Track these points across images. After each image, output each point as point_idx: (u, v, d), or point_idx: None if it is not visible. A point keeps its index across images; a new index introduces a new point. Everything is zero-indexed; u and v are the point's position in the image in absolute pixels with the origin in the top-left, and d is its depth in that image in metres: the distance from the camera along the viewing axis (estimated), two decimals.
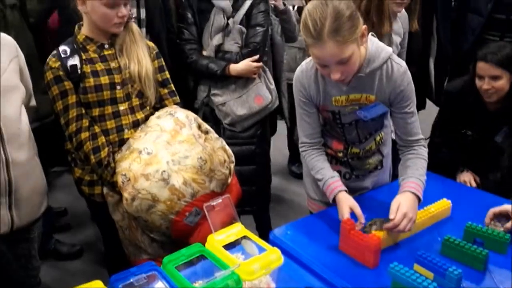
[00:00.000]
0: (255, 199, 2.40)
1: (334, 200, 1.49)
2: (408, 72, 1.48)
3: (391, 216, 1.35)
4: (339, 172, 1.66)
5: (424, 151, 1.53)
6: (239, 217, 2.45)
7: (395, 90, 1.47)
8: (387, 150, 1.75)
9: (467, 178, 2.11)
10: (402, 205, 1.36)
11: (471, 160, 2.14)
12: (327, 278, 1.27)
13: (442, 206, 1.56)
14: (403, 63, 1.48)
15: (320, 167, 1.56)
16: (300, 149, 1.62)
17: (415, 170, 1.47)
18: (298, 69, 1.53)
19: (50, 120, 2.05)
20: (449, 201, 1.58)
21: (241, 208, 2.26)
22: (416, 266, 1.26)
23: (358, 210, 1.41)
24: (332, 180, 1.52)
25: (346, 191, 1.49)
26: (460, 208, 1.58)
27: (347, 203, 1.43)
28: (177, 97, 1.80)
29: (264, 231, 2.61)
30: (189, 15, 2.26)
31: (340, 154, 1.66)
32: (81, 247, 2.62)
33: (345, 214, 1.40)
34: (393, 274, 1.18)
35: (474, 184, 2.08)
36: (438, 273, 1.22)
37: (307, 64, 1.51)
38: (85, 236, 2.71)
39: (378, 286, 1.22)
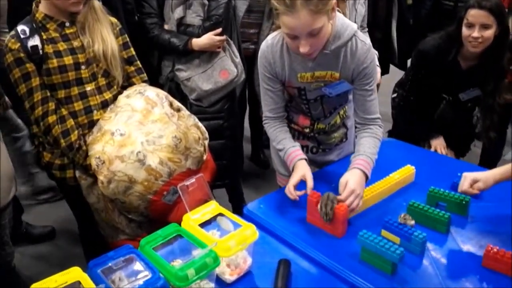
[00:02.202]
0: (227, 173, 2.42)
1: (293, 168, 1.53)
2: (372, 50, 1.50)
3: (340, 191, 1.39)
4: (306, 146, 1.71)
5: (379, 131, 1.55)
6: (212, 193, 2.50)
7: (358, 67, 1.48)
8: (351, 122, 1.79)
9: (439, 143, 2.18)
10: (349, 182, 1.39)
11: (444, 124, 2.21)
12: (300, 249, 1.32)
13: (406, 172, 1.63)
14: (367, 40, 1.49)
15: (281, 137, 1.59)
16: (264, 123, 1.65)
17: (367, 148, 1.50)
18: (264, 44, 1.52)
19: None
20: (413, 167, 1.65)
21: (213, 182, 2.28)
22: (384, 232, 1.34)
23: (310, 182, 1.44)
24: (293, 149, 1.55)
25: (306, 159, 1.53)
26: (424, 173, 1.66)
27: (299, 173, 1.48)
28: (144, 74, 1.78)
29: (237, 204, 2.66)
30: None
31: (307, 130, 1.69)
32: (53, 228, 2.59)
33: (292, 182, 1.47)
34: (362, 241, 1.24)
35: (444, 151, 2.16)
36: (404, 237, 1.29)
37: (273, 39, 1.50)
38: (57, 217, 2.68)
39: (349, 253, 1.28)
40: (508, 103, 2.25)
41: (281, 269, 1.19)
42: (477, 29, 1.93)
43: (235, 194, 2.69)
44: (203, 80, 2.26)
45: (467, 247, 1.31)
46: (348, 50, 1.46)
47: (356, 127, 1.63)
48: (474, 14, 1.94)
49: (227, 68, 2.31)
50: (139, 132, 1.50)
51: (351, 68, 1.48)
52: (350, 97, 1.68)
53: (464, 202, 1.44)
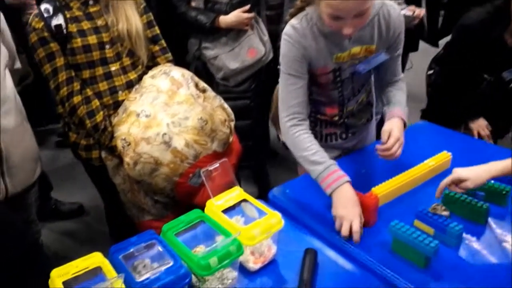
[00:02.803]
0: (252, 154, 2.39)
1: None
2: (402, 13, 1.45)
3: (384, 139, 1.36)
4: (335, 134, 1.63)
5: (404, 85, 1.56)
6: (238, 174, 2.48)
7: (394, 34, 1.43)
8: (373, 99, 1.72)
9: (481, 123, 2.07)
10: (394, 130, 1.37)
11: (484, 106, 2.09)
12: (327, 238, 1.27)
13: (442, 158, 1.55)
14: (395, 5, 1.44)
15: (316, 148, 1.36)
16: (285, 124, 1.40)
17: (400, 98, 1.50)
18: (289, 30, 1.37)
19: (30, 81, 1.98)
20: (449, 153, 1.57)
21: (239, 164, 2.25)
22: (417, 222, 1.27)
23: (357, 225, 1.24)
24: (335, 168, 1.32)
25: (350, 182, 1.31)
26: (460, 160, 1.56)
27: (356, 211, 1.26)
28: (169, 53, 1.74)
29: (263, 186, 2.63)
30: None
31: (336, 118, 1.60)
32: (81, 204, 2.64)
33: (355, 226, 1.23)
34: (394, 232, 1.18)
35: (487, 132, 2.05)
36: (439, 228, 1.22)
37: (299, 24, 1.36)
38: (85, 194, 2.72)
39: (379, 244, 1.22)
40: None
41: (307, 259, 1.15)
42: None
43: (261, 176, 2.65)
44: (230, 58, 2.21)
45: (507, 240, 1.23)
46: (381, 20, 1.40)
47: (381, 88, 1.59)
48: None
49: (255, 47, 2.24)
50: (165, 114, 1.47)
51: (388, 37, 1.43)
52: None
53: (504, 192, 1.35)
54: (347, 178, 1.30)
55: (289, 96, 1.39)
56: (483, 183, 1.22)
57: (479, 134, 2.05)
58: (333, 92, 1.53)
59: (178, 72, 1.58)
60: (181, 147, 1.46)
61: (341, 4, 1.20)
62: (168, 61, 1.70)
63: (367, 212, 1.29)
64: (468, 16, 1.88)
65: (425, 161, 1.52)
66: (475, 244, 1.23)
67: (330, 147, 1.64)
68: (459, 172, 1.23)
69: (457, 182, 1.23)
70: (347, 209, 1.25)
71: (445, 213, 1.29)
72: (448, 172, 1.53)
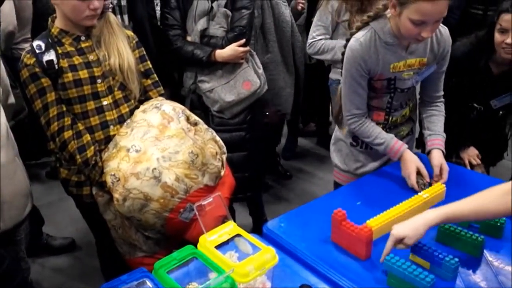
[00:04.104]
0: (248, 186, 2.37)
1: (399, 159, 1.66)
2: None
3: (437, 173, 1.61)
4: None
5: (443, 108, 1.78)
6: (232, 205, 2.46)
7: (444, 51, 1.65)
8: (416, 116, 1.89)
9: (471, 153, 2.08)
10: (443, 164, 1.62)
11: (475, 135, 2.10)
12: (322, 272, 1.25)
13: (436, 190, 1.54)
14: (444, 26, 1.62)
15: (377, 132, 1.69)
16: (350, 121, 1.71)
17: (440, 128, 1.74)
18: (355, 44, 1.58)
19: (23, 115, 1.98)
20: (443, 185, 1.56)
21: (234, 195, 2.24)
22: (412, 256, 1.25)
23: (423, 170, 1.61)
24: (395, 141, 1.67)
25: (409, 148, 1.68)
26: (455, 191, 1.56)
27: (414, 162, 1.62)
28: (161, 87, 1.75)
29: (258, 218, 2.61)
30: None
31: (380, 126, 1.75)
32: (73, 239, 2.60)
33: (412, 173, 1.60)
34: (389, 266, 1.16)
35: (478, 161, 2.06)
36: (434, 262, 1.21)
37: (363, 37, 1.58)
38: (77, 228, 2.68)
39: (375, 278, 1.20)
40: None
41: None
42: (511, 34, 1.83)
43: (255, 208, 2.63)
44: (226, 91, 2.23)
45: (502, 273, 1.21)
46: (433, 36, 1.60)
47: (422, 103, 1.82)
48: (508, 19, 1.83)
49: (250, 79, 2.27)
50: (155, 148, 1.46)
51: (437, 53, 1.64)
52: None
53: (499, 224, 1.34)
54: (404, 147, 1.66)
55: (350, 102, 1.68)
56: (421, 236, 1.18)
57: (470, 164, 2.06)
58: (384, 99, 1.71)
59: (169, 106, 1.58)
60: (171, 182, 1.45)
61: (430, 9, 1.40)
62: (160, 95, 1.71)
63: (361, 245, 1.27)
64: (454, 48, 1.92)
65: (420, 193, 1.52)
66: (471, 277, 1.21)
67: (370, 154, 1.80)
68: (397, 231, 1.19)
69: (398, 242, 1.19)
70: (405, 169, 1.63)
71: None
72: (443, 204, 1.53)
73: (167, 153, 1.46)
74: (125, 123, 1.59)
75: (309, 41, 2.53)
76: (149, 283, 1.04)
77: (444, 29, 1.64)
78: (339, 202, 1.54)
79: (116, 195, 1.45)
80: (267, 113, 2.64)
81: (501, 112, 2.09)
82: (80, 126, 1.54)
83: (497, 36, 1.87)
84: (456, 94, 2.01)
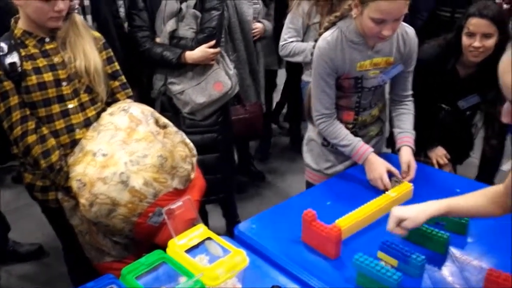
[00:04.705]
0: (220, 187, 2.36)
1: (364, 162, 1.69)
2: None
3: (405, 170, 1.65)
4: None
5: (413, 106, 1.83)
6: (204, 207, 2.44)
7: (410, 50, 1.69)
8: (385, 116, 1.93)
9: (439, 153, 2.13)
10: (412, 161, 1.66)
11: (443, 135, 2.15)
12: (293, 273, 1.26)
13: (404, 189, 1.57)
14: (410, 26, 1.68)
15: (344, 133, 1.71)
16: (319, 121, 1.73)
17: (409, 125, 1.78)
18: (322, 43, 1.61)
19: None
20: (411, 184, 1.60)
21: (206, 197, 2.23)
22: (380, 254, 1.28)
23: (393, 169, 1.64)
24: (361, 144, 1.70)
25: (374, 152, 1.70)
26: (422, 190, 1.60)
27: (382, 164, 1.65)
28: (130, 89, 1.72)
29: (231, 219, 2.60)
30: (140, 0, 2.15)
31: (350, 126, 1.78)
32: (40, 245, 2.53)
33: (383, 174, 1.62)
34: (357, 265, 1.18)
35: (445, 160, 2.11)
36: (402, 260, 1.23)
37: (330, 36, 1.61)
38: (45, 234, 2.60)
39: (344, 277, 1.22)
40: None
41: None
42: (478, 38, 1.87)
43: (228, 209, 2.63)
44: (197, 93, 2.21)
45: (467, 269, 1.25)
46: (399, 36, 1.65)
47: (392, 103, 1.85)
48: (475, 23, 1.87)
49: (221, 81, 2.26)
50: (123, 152, 1.44)
51: (404, 53, 1.68)
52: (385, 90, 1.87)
53: (463, 221, 1.38)
54: (369, 150, 1.68)
55: (318, 101, 1.70)
56: (420, 223, 1.21)
57: (438, 163, 2.11)
58: (352, 98, 1.74)
59: (138, 109, 1.56)
60: (139, 186, 1.43)
61: (388, 8, 1.44)
62: (128, 97, 1.68)
63: (330, 245, 1.29)
64: (422, 50, 1.96)
65: (387, 192, 1.55)
66: (437, 273, 1.24)
67: (341, 154, 1.80)
68: (398, 211, 1.23)
69: (399, 221, 1.22)
70: (374, 172, 1.64)
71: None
72: (411, 202, 1.57)
73: (135, 157, 1.44)
74: (91, 127, 1.55)
75: (281, 43, 2.54)
76: None
77: (410, 30, 1.68)
78: (310, 202, 1.55)
79: (82, 201, 1.41)
80: (247, 108, 2.64)
81: (468, 113, 2.15)
82: (45, 130, 1.49)
83: (465, 40, 1.92)
84: (424, 95, 2.05)
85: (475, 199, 1.19)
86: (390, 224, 1.24)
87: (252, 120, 2.70)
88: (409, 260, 1.21)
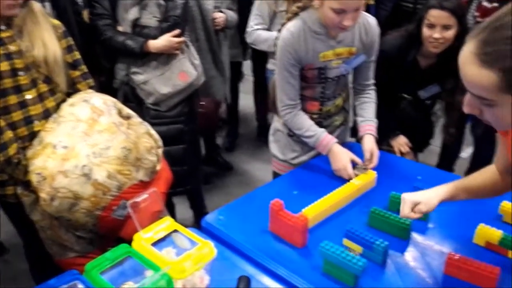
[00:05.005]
0: (187, 179, 2.34)
1: (328, 153, 1.71)
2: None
3: (368, 158, 1.67)
4: None
5: (375, 95, 1.86)
6: (171, 199, 2.42)
7: (372, 40, 1.71)
8: (349, 106, 1.96)
9: (401, 141, 2.18)
10: (374, 149, 1.69)
11: (405, 123, 2.20)
12: (260, 262, 1.26)
13: (368, 177, 1.61)
14: (372, 16, 1.70)
15: (309, 124, 1.72)
16: (284, 112, 1.74)
17: (371, 114, 1.81)
18: (286, 33, 1.61)
19: None
20: (375, 172, 1.63)
21: (173, 189, 2.20)
22: (346, 241, 1.30)
23: (357, 159, 1.67)
24: (325, 135, 1.72)
25: (338, 142, 1.72)
26: (385, 178, 1.65)
27: (346, 154, 1.68)
28: (91, 79, 1.67)
29: (199, 211, 2.59)
30: None
31: (315, 116, 1.79)
32: (1, 242, 2.44)
33: (347, 164, 1.65)
34: (324, 253, 1.20)
35: (407, 149, 2.16)
36: (366, 246, 1.26)
37: (293, 27, 1.61)
38: (6, 230, 2.50)
39: (311, 265, 1.24)
40: None
41: (240, 287, 1.13)
42: (438, 29, 1.92)
43: (196, 201, 2.61)
44: (161, 83, 2.17)
45: (428, 254, 1.29)
46: (361, 26, 1.67)
47: (355, 92, 1.87)
48: (435, 15, 1.92)
49: (186, 70, 2.23)
50: (84, 144, 1.39)
51: (366, 42, 1.70)
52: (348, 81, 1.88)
53: None
54: (332, 141, 1.70)
55: (283, 92, 1.70)
56: (434, 207, 1.21)
57: (400, 151, 2.17)
58: (316, 89, 1.74)
59: (100, 99, 1.51)
60: (102, 179, 1.39)
61: None
62: (90, 87, 1.63)
63: (297, 234, 1.30)
64: (384, 41, 2.00)
65: (352, 181, 1.57)
66: (400, 259, 1.27)
67: (307, 144, 1.80)
68: (411, 196, 1.23)
69: (414, 206, 1.23)
70: (338, 162, 1.67)
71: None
72: (374, 190, 1.61)
73: (97, 149, 1.40)
74: (51, 118, 1.49)
75: (247, 30, 2.53)
76: (80, 286, 1.00)
77: (372, 20, 1.70)
78: (277, 192, 1.56)
79: (42, 195, 1.36)
80: (203, 103, 2.61)
81: (428, 102, 2.21)
82: (1, 122, 1.42)
83: (425, 31, 1.96)
84: (386, 85, 2.10)
85: (482, 177, 1.22)
86: (406, 210, 1.23)
87: (206, 116, 2.69)
88: (373, 247, 1.24)
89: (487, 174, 1.22)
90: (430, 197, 1.22)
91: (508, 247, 1.25)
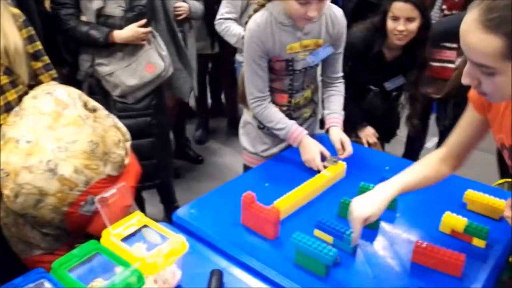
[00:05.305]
0: (157, 172, 2.31)
1: (298, 145, 1.71)
2: None
3: (339, 147, 1.68)
4: None
5: (343, 88, 1.87)
6: (140, 194, 2.38)
7: (339, 32, 1.71)
8: (318, 98, 1.97)
9: (368, 132, 2.22)
10: (343, 137, 1.71)
11: (372, 114, 2.24)
12: (233, 255, 1.26)
13: (337, 168, 1.63)
14: (338, 8, 1.70)
15: (279, 117, 1.72)
16: (253, 104, 1.73)
17: (338, 106, 1.82)
18: (252, 25, 1.60)
19: None
20: (344, 163, 1.65)
21: (142, 184, 2.16)
22: (317, 232, 1.32)
23: (326, 152, 1.67)
24: (296, 127, 1.72)
25: (308, 134, 1.73)
26: (354, 168, 1.67)
27: (316, 146, 1.68)
28: (54, 70, 1.62)
29: (169, 205, 2.56)
30: None
31: (284, 108, 1.80)
32: None
33: (316, 155, 1.65)
34: (295, 244, 1.20)
35: (374, 140, 2.20)
36: (336, 236, 1.28)
37: (260, 18, 1.60)
38: None
39: (283, 257, 1.24)
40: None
41: (213, 280, 1.12)
42: (402, 22, 1.96)
43: (166, 195, 2.58)
44: (128, 74, 2.12)
45: (397, 242, 1.32)
46: (328, 18, 1.67)
47: (323, 85, 1.88)
48: (399, 7, 1.96)
49: (153, 62, 2.18)
50: (49, 138, 1.35)
51: (332, 34, 1.70)
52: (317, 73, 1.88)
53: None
54: (303, 133, 1.70)
55: (252, 84, 1.69)
56: (382, 212, 1.20)
57: (368, 142, 2.21)
58: (285, 81, 1.75)
59: (64, 91, 1.46)
60: (69, 174, 1.35)
61: None
62: (53, 79, 1.58)
63: (269, 226, 1.31)
64: (350, 34, 2.02)
65: (322, 172, 1.59)
66: (370, 248, 1.30)
67: (277, 136, 1.81)
68: (360, 213, 1.18)
69: (364, 223, 1.19)
70: (308, 154, 1.67)
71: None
72: (344, 181, 1.63)
73: (63, 143, 1.35)
74: (12, 112, 1.44)
75: (218, 17, 2.49)
76: (47, 284, 0.97)
77: (338, 11, 1.70)
78: (249, 184, 1.56)
79: (6, 192, 1.31)
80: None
81: (394, 93, 2.25)
82: None
83: (390, 23, 2.00)
84: (353, 77, 2.13)
85: (422, 172, 1.25)
86: (357, 231, 1.18)
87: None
88: (343, 237, 1.26)
89: (428, 167, 1.25)
90: (378, 205, 1.19)
91: (472, 234, 1.30)
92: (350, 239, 1.25)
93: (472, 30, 0.84)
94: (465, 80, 0.93)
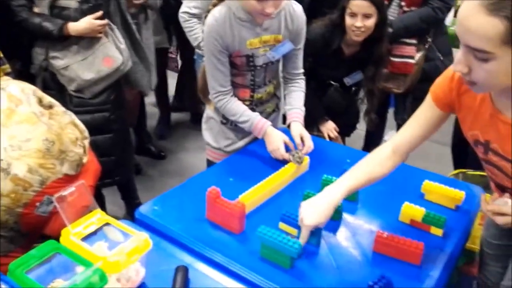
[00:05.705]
0: (117, 169, 2.25)
1: (263, 136, 1.73)
2: None
3: (299, 142, 1.68)
4: None
5: (304, 84, 1.88)
6: (100, 191, 2.31)
7: (298, 27, 1.72)
8: (280, 93, 1.98)
9: (329, 126, 2.25)
10: (303, 132, 1.71)
11: (332, 109, 2.28)
12: (198, 251, 1.25)
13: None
14: (297, 3, 1.70)
15: (242, 110, 1.72)
16: (216, 99, 1.73)
17: (299, 102, 1.82)
18: (211, 19, 1.59)
19: None
20: (307, 156, 1.67)
21: (101, 181, 2.10)
22: (282, 225, 1.33)
23: (290, 143, 1.69)
24: (259, 119, 1.73)
25: (272, 125, 1.74)
26: (317, 161, 1.70)
27: (280, 137, 1.69)
28: (7, 65, 1.55)
29: (130, 202, 2.51)
30: None
31: (247, 103, 1.79)
32: None
33: (280, 145, 1.67)
34: (261, 237, 1.21)
35: (335, 133, 2.24)
36: (300, 228, 1.29)
37: (219, 13, 1.59)
38: None
39: (249, 251, 1.25)
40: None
41: (178, 277, 1.11)
42: (360, 18, 1.99)
43: (127, 192, 2.52)
44: (84, 68, 2.05)
45: (359, 233, 1.35)
46: (287, 14, 1.67)
47: (284, 81, 1.89)
48: (356, 4, 1.99)
49: (111, 55, 2.12)
50: (1, 136, 1.28)
51: (292, 30, 1.70)
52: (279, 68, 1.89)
53: None
54: (267, 124, 1.72)
55: (213, 78, 1.69)
56: (330, 216, 1.23)
57: (329, 136, 2.25)
58: (247, 76, 1.75)
59: (17, 87, 1.39)
60: (23, 174, 1.29)
61: None
62: (6, 74, 1.50)
63: (234, 220, 1.30)
64: (309, 30, 2.04)
65: (286, 166, 1.60)
66: (333, 239, 1.32)
67: (240, 131, 1.84)
68: (309, 221, 1.20)
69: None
70: (272, 144, 1.68)
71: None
72: (307, 174, 1.65)
73: (16, 142, 1.29)
74: None
75: (183, 9, 2.39)
76: (4, 286, 0.92)
77: (297, 7, 1.70)
78: (213, 179, 1.55)
79: None
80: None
81: (353, 89, 2.30)
82: None
83: (348, 20, 2.03)
84: (313, 72, 2.15)
85: (368, 171, 1.27)
86: (305, 237, 1.22)
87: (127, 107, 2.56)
88: None
89: (376, 165, 1.27)
90: (325, 212, 1.21)
91: (430, 224, 1.35)
92: (313, 231, 1.26)
93: (474, 13, 0.84)
94: (456, 67, 0.93)
